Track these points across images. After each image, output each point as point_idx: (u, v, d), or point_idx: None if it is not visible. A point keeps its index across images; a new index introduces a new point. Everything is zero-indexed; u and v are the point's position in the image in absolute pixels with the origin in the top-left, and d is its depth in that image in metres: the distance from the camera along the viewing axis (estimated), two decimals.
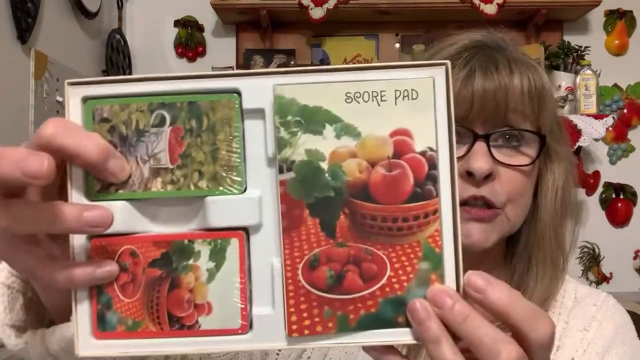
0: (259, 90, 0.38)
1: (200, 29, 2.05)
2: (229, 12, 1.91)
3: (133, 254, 0.38)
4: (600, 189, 1.98)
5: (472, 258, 0.59)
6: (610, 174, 2.01)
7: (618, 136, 2.01)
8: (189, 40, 2.03)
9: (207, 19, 2.03)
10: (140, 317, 0.38)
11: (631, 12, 2.04)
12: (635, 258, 2.01)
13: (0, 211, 0.34)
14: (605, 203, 2.02)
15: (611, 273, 2.00)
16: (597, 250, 2.00)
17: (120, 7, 1.96)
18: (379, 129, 0.37)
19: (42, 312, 0.47)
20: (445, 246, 0.37)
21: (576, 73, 1.84)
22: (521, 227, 0.62)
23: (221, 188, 0.37)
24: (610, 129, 1.89)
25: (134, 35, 2.03)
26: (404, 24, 2.01)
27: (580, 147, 1.82)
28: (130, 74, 2.00)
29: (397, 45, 2.05)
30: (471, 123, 0.57)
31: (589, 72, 1.82)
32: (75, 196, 0.37)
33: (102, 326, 0.38)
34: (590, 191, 1.89)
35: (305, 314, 0.37)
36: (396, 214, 0.36)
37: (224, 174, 0.37)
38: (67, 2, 1.62)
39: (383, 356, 0.36)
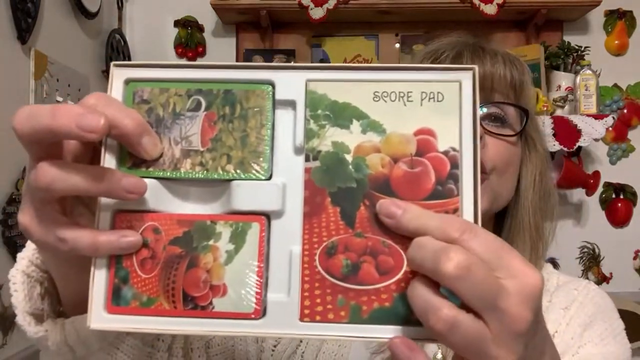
0: (292, 83, 0.39)
1: (200, 29, 2.05)
2: (229, 12, 1.91)
3: (156, 231, 0.38)
4: (600, 189, 1.98)
5: None
6: (610, 174, 2.01)
7: (618, 136, 2.01)
8: (189, 40, 2.03)
9: (207, 19, 2.03)
10: (156, 294, 0.38)
11: (631, 12, 2.03)
12: (635, 258, 2.01)
13: (42, 169, 0.34)
14: (605, 203, 2.02)
15: (611, 273, 2.00)
16: (597, 250, 2.00)
17: (120, 7, 1.96)
18: (403, 127, 0.38)
19: (55, 304, 0.48)
20: None
21: (576, 73, 1.84)
22: (505, 213, 0.67)
23: (247, 173, 0.39)
24: (610, 129, 1.89)
25: (134, 35, 2.03)
26: (404, 24, 2.01)
27: (580, 147, 1.82)
28: None
29: (397, 45, 2.05)
30: None
31: (589, 72, 1.81)
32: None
33: (116, 300, 0.38)
34: (590, 191, 1.89)
35: (318, 300, 0.37)
36: None
37: (251, 160, 0.39)
38: (67, 2, 1.62)
39: (412, 354, 0.34)
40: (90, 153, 0.39)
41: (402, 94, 0.38)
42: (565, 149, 1.77)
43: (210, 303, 0.37)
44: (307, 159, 0.38)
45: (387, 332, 0.36)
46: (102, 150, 0.38)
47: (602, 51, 2.02)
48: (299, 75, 0.39)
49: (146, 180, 0.38)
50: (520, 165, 0.68)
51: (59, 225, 0.36)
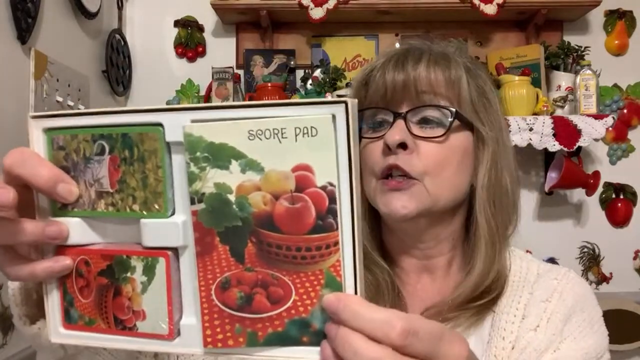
0: (177, 124, 0.41)
1: (200, 29, 2.04)
2: (229, 12, 1.91)
3: (87, 263, 0.44)
4: (600, 189, 1.98)
5: (430, 241, 0.69)
6: (610, 174, 2.01)
7: (618, 136, 2.01)
8: (189, 40, 2.03)
9: (207, 19, 2.03)
10: (94, 315, 0.44)
11: (631, 12, 2.03)
12: (635, 258, 2.01)
13: None
14: (605, 203, 2.02)
15: (611, 273, 2.00)
16: (597, 250, 2.00)
17: (120, 7, 1.96)
18: (281, 164, 0.39)
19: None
20: (346, 275, 0.39)
21: (576, 73, 1.84)
22: (471, 212, 0.70)
23: (150, 212, 0.42)
24: (610, 129, 1.88)
25: (134, 35, 2.03)
26: (404, 24, 2.01)
27: (580, 147, 1.82)
28: (130, 74, 2.00)
29: (397, 45, 2.04)
30: (392, 106, 0.66)
31: (588, 72, 1.81)
32: (43, 213, 0.44)
33: (68, 319, 0.45)
34: (590, 191, 1.89)
35: (218, 329, 0.41)
36: (299, 244, 0.39)
37: (152, 199, 0.42)
38: (67, 2, 1.62)
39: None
40: (30, 194, 0.44)
41: (276, 131, 0.38)
42: (565, 149, 1.77)
43: (135, 325, 0.43)
44: (192, 202, 0.40)
45: (281, 352, 0.40)
46: (35, 195, 0.44)
47: (602, 51, 2.02)
48: (184, 117, 0.40)
49: (73, 219, 0.44)
50: (476, 163, 0.68)
51: (5, 264, 0.43)
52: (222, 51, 2.04)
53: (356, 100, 0.38)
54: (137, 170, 0.42)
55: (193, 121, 0.40)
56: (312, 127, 0.38)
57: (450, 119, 0.65)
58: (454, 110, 0.65)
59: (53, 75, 1.49)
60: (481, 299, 0.66)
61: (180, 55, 2.04)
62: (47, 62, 1.46)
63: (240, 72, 2.01)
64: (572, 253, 2.00)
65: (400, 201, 0.63)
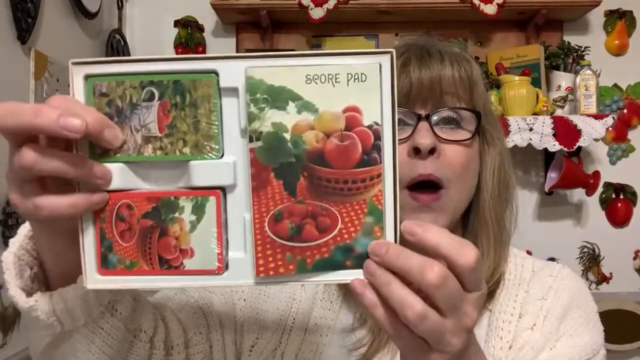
0: (233, 71, 0.44)
1: (200, 29, 2.04)
2: (229, 12, 1.91)
3: (129, 207, 0.45)
4: (600, 189, 1.98)
5: None
6: (610, 174, 2.01)
7: (618, 136, 2.01)
8: (189, 40, 2.03)
9: (207, 19, 2.03)
10: (136, 258, 0.45)
11: (631, 12, 2.03)
12: (635, 258, 2.01)
13: (25, 153, 0.40)
14: (605, 203, 2.02)
15: (611, 273, 2.00)
16: (597, 250, 2.00)
17: (120, 7, 1.96)
18: (333, 106, 0.43)
19: (43, 287, 0.52)
20: (386, 204, 0.44)
21: (576, 73, 1.84)
22: (470, 210, 0.69)
23: (202, 154, 0.44)
24: (610, 129, 1.88)
25: (134, 36, 2.03)
26: (404, 24, 2.01)
27: (580, 147, 1.82)
28: None
29: (396, 43, 2.05)
30: (413, 106, 0.65)
31: (588, 72, 1.81)
32: None
33: (105, 265, 0.45)
34: (590, 191, 1.89)
35: (270, 259, 0.44)
36: (347, 177, 0.43)
37: (204, 142, 0.44)
38: (67, 2, 1.62)
39: (364, 288, 0.43)
40: (64, 140, 0.43)
41: (331, 76, 0.43)
42: (565, 149, 1.77)
43: (182, 263, 0.45)
44: (250, 140, 0.43)
45: (328, 276, 0.44)
46: (74, 144, 0.44)
47: (602, 51, 2.02)
48: (240, 64, 0.43)
49: (116, 164, 0.44)
50: (480, 161, 0.68)
51: (37, 196, 0.42)
52: (222, 51, 2.03)
53: (395, 51, 0.43)
54: (189, 115, 0.44)
55: (247, 68, 0.43)
56: (362, 73, 0.43)
57: (476, 122, 0.65)
58: (479, 112, 0.65)
59: (53, 75, 1.49)
60: None
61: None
62: (47, 62, 1.46)
63: None
64: (572, 253, 2.00)
65: (431, 220, 0.62)
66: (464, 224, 0.71)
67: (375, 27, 2.02)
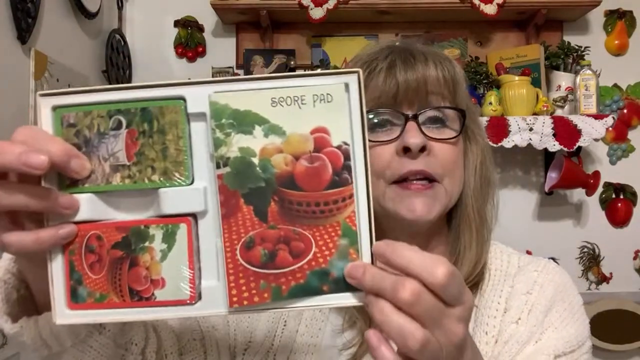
0: (200, 96, 0.43)
1: (200, 29, 2.04)
2: (229, 12, 1.91)
3: (99, 238, 0.44)
4: (600, 189, 1.98)
5: (421, 239, 0.69)
6: (610, 174, 2.01)
7: (618, 136, 2.01)
8: (189, 41, 2.03)
9: (207, 19, 2.03)
10: (106, 290, 0.44)
11: (631, 12, 2.03)
12: (635, 258, 2.01)
13: None
14: (605, 203, 2.02)
15: (611, 273, 2.00)
16: (597, 250, 2.00)
17: (120, 7, 1.96)
18: (301, 128, 0.43)
19: (30, 309, 0.52)
20: (361, 224, 0.43)
21: (576, 73, 1.84)
22: (455, 205, 0.70)
23: (171, 181, 0.44)
24: (610, 129, 1.88)
25: (134, 35, 2.03)
26: (404, 24, 2.01)
27: (580, 147, 1.82)
28: (130, 74, 2.00)
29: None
30: (400, 107, 0.65)
31: (588, 72, 1.81)
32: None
33: (74, 299, 0.44)
34: (590, 191, 1.89)
35: (244, 287, 0.43)
36: (318, 199, 0.43)
37: (173, 169, 0.44)
38: (67, 2, 1.62)
39: (379, 343, 0.41)
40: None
41: (296, 98, 0.43)
42: (565, 149, 1.77)
43: (153, 294, 0.44)
44: (218, 166, 0.43)
45: (304, 302, 0.43)
46: (42, 175, 0.43)
47: (602, 51, 2.02)
48: (206, 89, 0.43)
49: (84, 195, 0.44)
50: (465, 160, 0.70)
51: (6, 232, 0.42)
52: (222, 51, 2.04)
53: (361, 71, 0.43)
54: (157, 142, 0.44)
55: (212, 93, 0.43)
56: (328, 93, 0.43)
57: (460, 120, 0.66)
58: (464, 110, 0.66)
59: (53, 75, 1.49)
60: None
61: (180, 55, 2.04)
62: (47, 62, 1.46)
63: (240, 72, 2.01)
64: (572, 253, 2.00)
65: (426, 206, 0.63)
66: (447, 218, 0.72)
67: (375, 27, 2.02)
